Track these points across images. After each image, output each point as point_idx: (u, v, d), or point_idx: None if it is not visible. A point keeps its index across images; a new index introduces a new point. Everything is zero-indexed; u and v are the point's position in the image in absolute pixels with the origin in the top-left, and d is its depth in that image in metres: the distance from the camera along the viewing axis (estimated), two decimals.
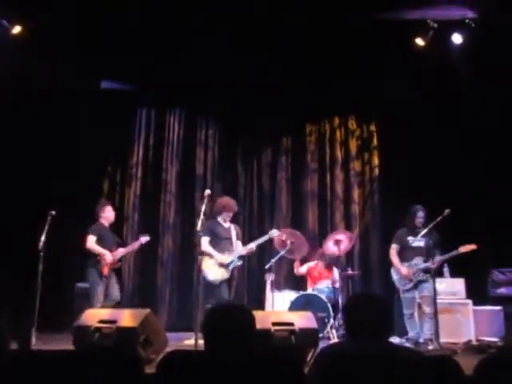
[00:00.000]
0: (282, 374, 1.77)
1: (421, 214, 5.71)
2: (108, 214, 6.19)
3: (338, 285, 6.60)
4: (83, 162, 7.43)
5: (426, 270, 5.55)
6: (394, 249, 5.82)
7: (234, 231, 5.99)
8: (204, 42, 6.39)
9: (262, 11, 5.88)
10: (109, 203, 6.45)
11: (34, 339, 5.14)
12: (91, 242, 5.89)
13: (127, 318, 4.22)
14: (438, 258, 5.48)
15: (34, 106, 6.65)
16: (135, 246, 6.29)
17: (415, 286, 5.61)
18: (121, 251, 6.11)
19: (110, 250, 5.95)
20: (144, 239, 6.18)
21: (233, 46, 6.41)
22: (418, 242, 5.67)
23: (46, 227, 5.58)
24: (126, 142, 8.03)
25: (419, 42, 6.33)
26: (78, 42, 6.31)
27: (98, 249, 5.88)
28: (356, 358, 1.80)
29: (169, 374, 1.76)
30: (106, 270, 5.86)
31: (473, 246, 5.41)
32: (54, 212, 5.67)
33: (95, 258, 5.87)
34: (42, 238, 5.53)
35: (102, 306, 5.63)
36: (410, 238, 5.73)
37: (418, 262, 5.62)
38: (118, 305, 6.05)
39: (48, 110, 6.85)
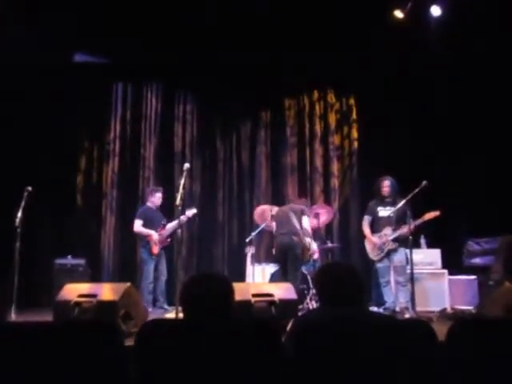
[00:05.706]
0: (260, 342, 1.79)
1: (386, 183, 5.85)
2: (156, 200, 6.48)
3: (316, 256, 6.68)
4: (59, 138, 7.30)
5: (396, 239, 5.71)
6: (365, 220, 6.01)
7: None
8: (181, 14, 6.26)
9: None
10: (160, 190, 6.62)
11: (13, 315, 5.11)
12: (137, 225, 6.29)
13: (107, 291, 4.23)
14: (404, 229, 5.57)
15: (5, 80, 6.46)
16: (182, 220, 6.29)
17: (387, 256, 5.77)
18: (168, 228, 6.33)
19: (157, 230, 6.26)
20: (190, 212, 6.36)
21: (210, 20, 6.30)
22: (387, 211, 5.80)
23: (23, 203, 5.51)
24: (102, 117, 7.86)
25: (398, 14, 6.31)
26: (51, 14, 6.12)
27: (144, 230, 6.27)
28: (329, 324, 1.83)
29: (148, 342, 1.77)
30: (155, 249, 6.23)
31: (436, 213, 5.54)
32: (30, 188, 5.59)
33: (145, 239, 6.29)
34: (19, 214, 5.46)
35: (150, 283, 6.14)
36: (379, 209, 5.90)
37: (388, 232, 5.76)
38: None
39: (21, 85, 6.66)
